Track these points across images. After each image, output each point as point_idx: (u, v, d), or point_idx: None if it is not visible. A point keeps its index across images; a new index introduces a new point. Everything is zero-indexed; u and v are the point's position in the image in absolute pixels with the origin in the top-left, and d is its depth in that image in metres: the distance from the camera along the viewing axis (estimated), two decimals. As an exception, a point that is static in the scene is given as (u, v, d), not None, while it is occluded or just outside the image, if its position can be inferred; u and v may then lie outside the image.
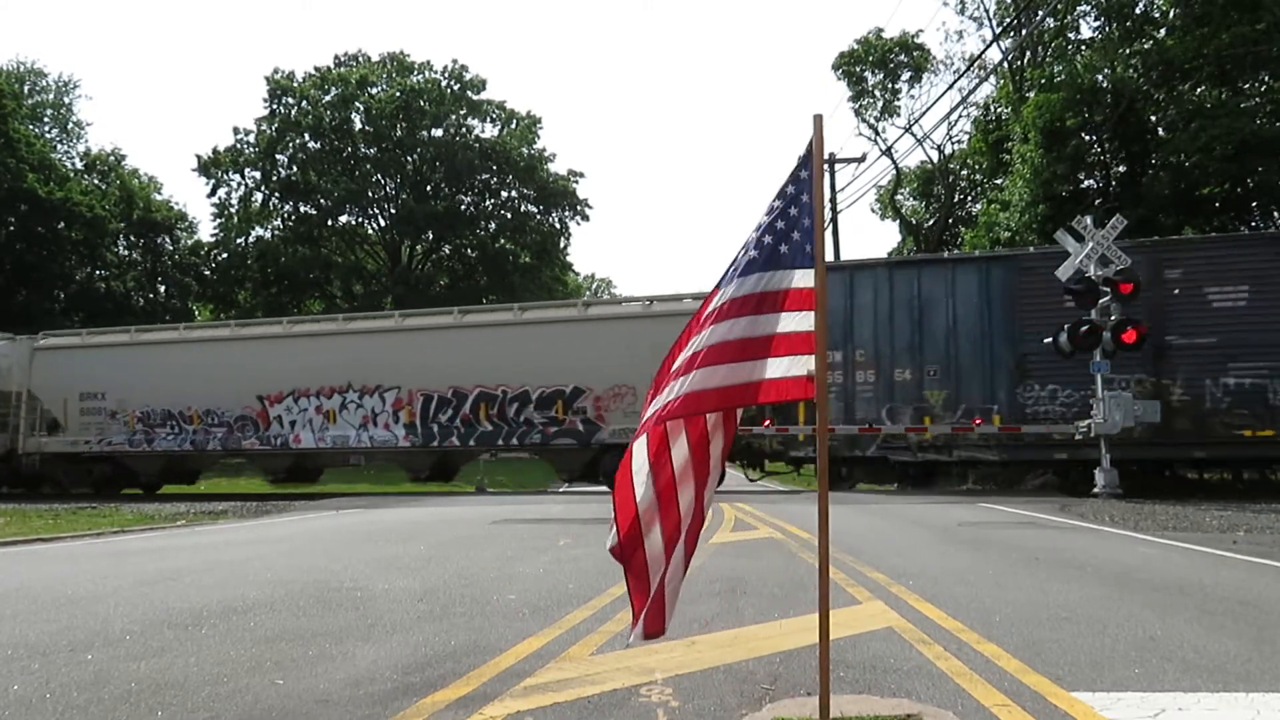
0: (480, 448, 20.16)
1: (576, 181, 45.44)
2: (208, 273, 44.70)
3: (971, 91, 33.84)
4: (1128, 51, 24.55)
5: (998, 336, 16.73)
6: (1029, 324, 16.49)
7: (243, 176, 43.33)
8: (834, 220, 32.16)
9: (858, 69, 34.91)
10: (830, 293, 18.51)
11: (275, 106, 42.63)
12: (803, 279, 2.99)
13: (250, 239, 43.80)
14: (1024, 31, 29.36)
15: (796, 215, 3.01)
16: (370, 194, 43.45)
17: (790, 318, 2.97)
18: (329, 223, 43.96)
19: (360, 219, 45.09)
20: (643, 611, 2.85)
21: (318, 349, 20.97)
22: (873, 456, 17.44)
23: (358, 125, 43.02)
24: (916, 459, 17.32)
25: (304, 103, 42.39)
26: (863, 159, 34.76)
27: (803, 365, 2.95)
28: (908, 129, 35.62)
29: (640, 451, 2.89)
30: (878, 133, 36.29)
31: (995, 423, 16.60)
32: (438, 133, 43.71)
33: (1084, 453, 16.03)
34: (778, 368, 2.97)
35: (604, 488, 18.69)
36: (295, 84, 42.92)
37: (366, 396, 20.26)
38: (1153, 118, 24.53)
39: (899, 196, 39.44)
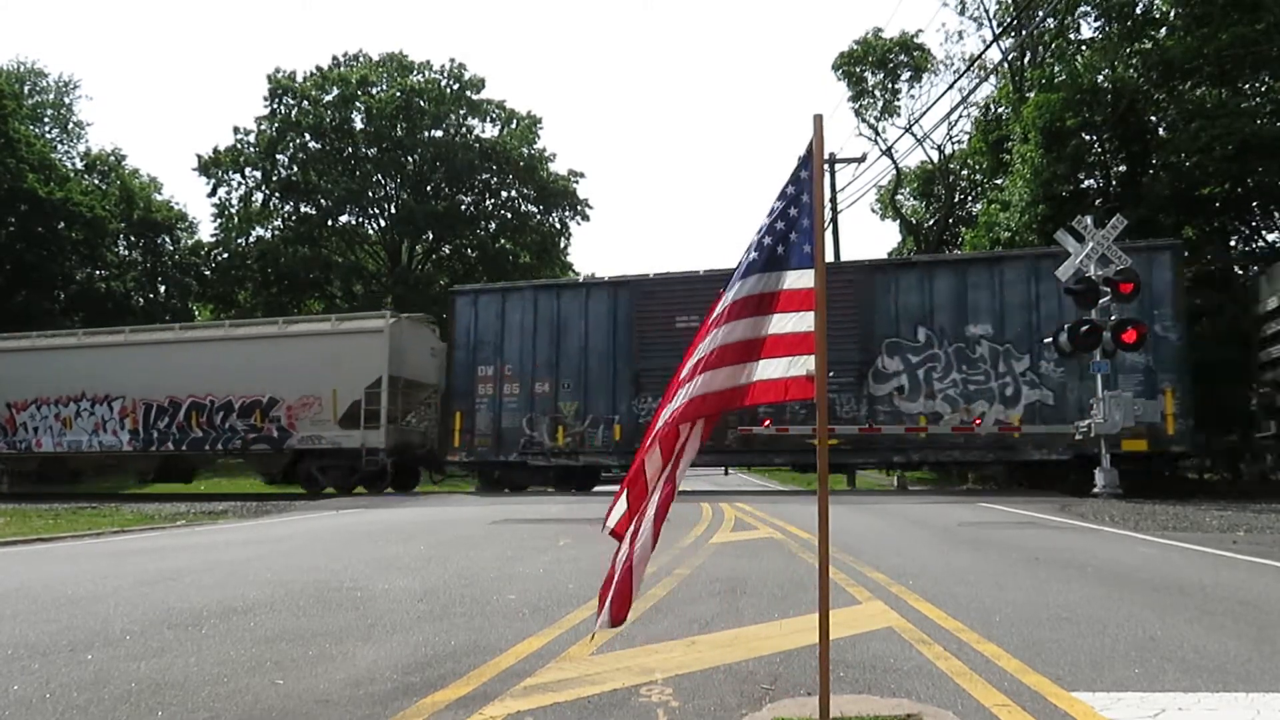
0: (192, 452, 21.56)
1: (577, 181, 45.44)
2: (208, 273, 44.66)
3: (971, 91, 33.86)
4: (1128, 51, 24.54)
5: (621, 354, 18.62)
6: (647, 343, 18.48)
7: (243, 176, 43.29)
8: (834, 220, 32.17)
9: (858, 69, 34.88)
10: (486, 313, 19.60)
11: (276, 106, 42.60)
12: (802, 279, 3.00)
13: (250, 239, 43.77)
14: (1024, 31, 29.36)
15: (796, 215, 3.02)
16: (370, 194, 43.40)
17: (789, 318, 2.98)
18: (329, 223, 43.90)
19: (360, 219, 45.05)
20: (608, 598, 2.86)
21: (59, 360, 22.59)
22: (514, 461, 19.18)
23: (358, 125, 43.00)
24: (551, 464, 19.03)
25: (304, 102, 42.35)
26: (863, 159, 34.79)
27: (802, 365, 2.96)
28: (908, 129, 35.63)
29: (654, 458, 2.91)
30: (878, 133, 36.29)
31: (616, 432, 18.42)
32: (438, 133, 43.68)
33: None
34: (777, 368, 2.97)
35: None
36: (296, 84, 42.90)
37: (98, 405, 21.93)
38: (1153, 118, 24.51)
39: (899, 196, 39.43)
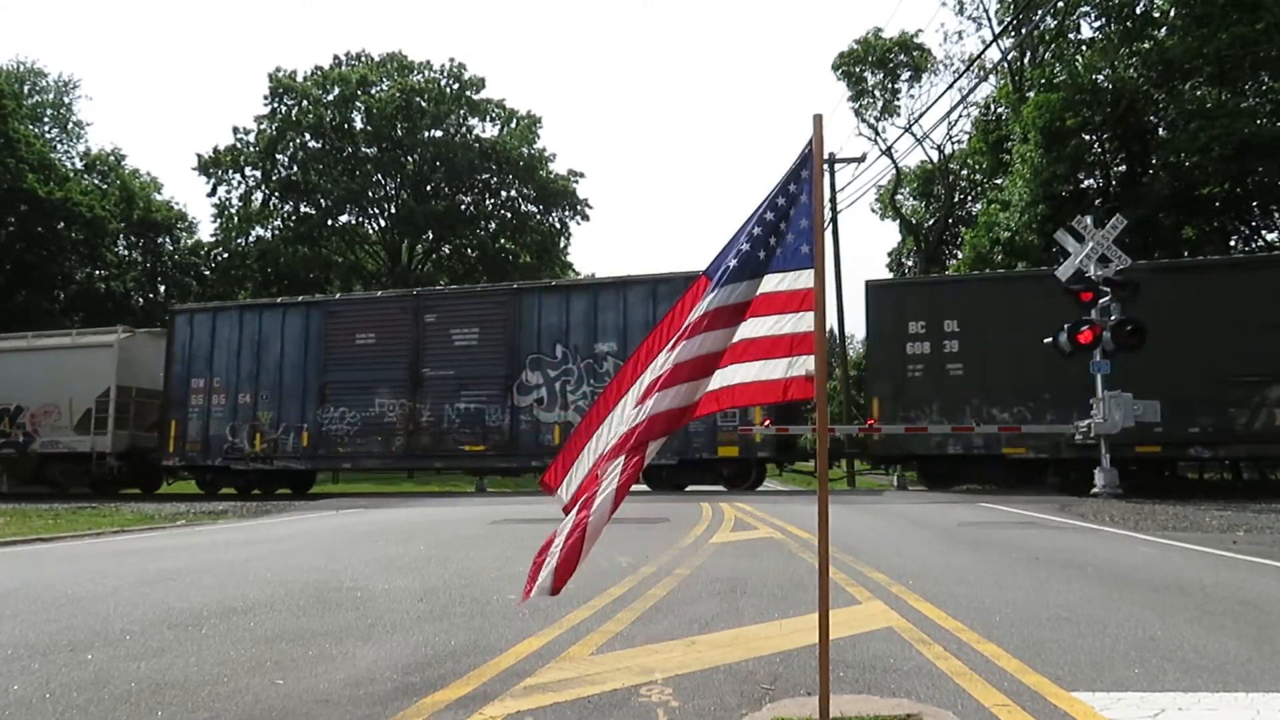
0: None
1: (576, 181, 45.49)
2: (208, 273, 44.67)
3: (971, 91, 33.88)
4: (1128, 51, 24.54)
5: (311, 368, 20.33)
6: (332, 358, 20.23)
7: (243, 176, 43.31)
8: (834, 221, 32.16)
9: (857, 69, 34.91)
10: (200, 330, 20.92)
11: (276, 105, 42.61)
12: (799, 280, 2.99)
13: (250, 239, 43.78)
14: (1024, 31, 29.36)
15: (795, 216, 3.01)
16: (370, 194, 43.42)
17: (787, 319, 2.97)
18: (329, 222, 43.92)
19: (360, 219, 45.07)
20: (552, 564, 2.82)
21: None
22: (219, 466, 20.69)
23: (358, 125, 43.00)
24: (250, 468, 20.52)
25: (304, 102, 42.36)
26: (863, 159, 34.79)
27: (801, 366, 2.96)
28: (908, 129, 35.67)
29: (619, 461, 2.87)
30: (878, 133, 36.33)
31: (304, 439, 19.98)
32: (438, 133, 43.70)
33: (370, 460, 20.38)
34: (777, 369, 2.97)
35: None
36: (296, 83, 42.90)
37: None
38: (1153, 118, 24.51)
39: (899, 196, 39.44)
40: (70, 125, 47.45)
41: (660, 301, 18.59)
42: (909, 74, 34.98)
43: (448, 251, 46.29)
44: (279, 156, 42.44)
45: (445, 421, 19.41)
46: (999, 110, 30.90)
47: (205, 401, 20.80)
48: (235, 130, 44.14)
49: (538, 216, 45.29)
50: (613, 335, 18.84)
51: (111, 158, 45.23)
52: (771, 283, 2.99)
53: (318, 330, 20.44)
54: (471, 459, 19.79)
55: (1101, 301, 14.87)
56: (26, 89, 45.92)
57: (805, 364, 2.95)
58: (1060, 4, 26.84)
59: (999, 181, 29.12)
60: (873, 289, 18.58)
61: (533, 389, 19.11)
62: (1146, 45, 24.28)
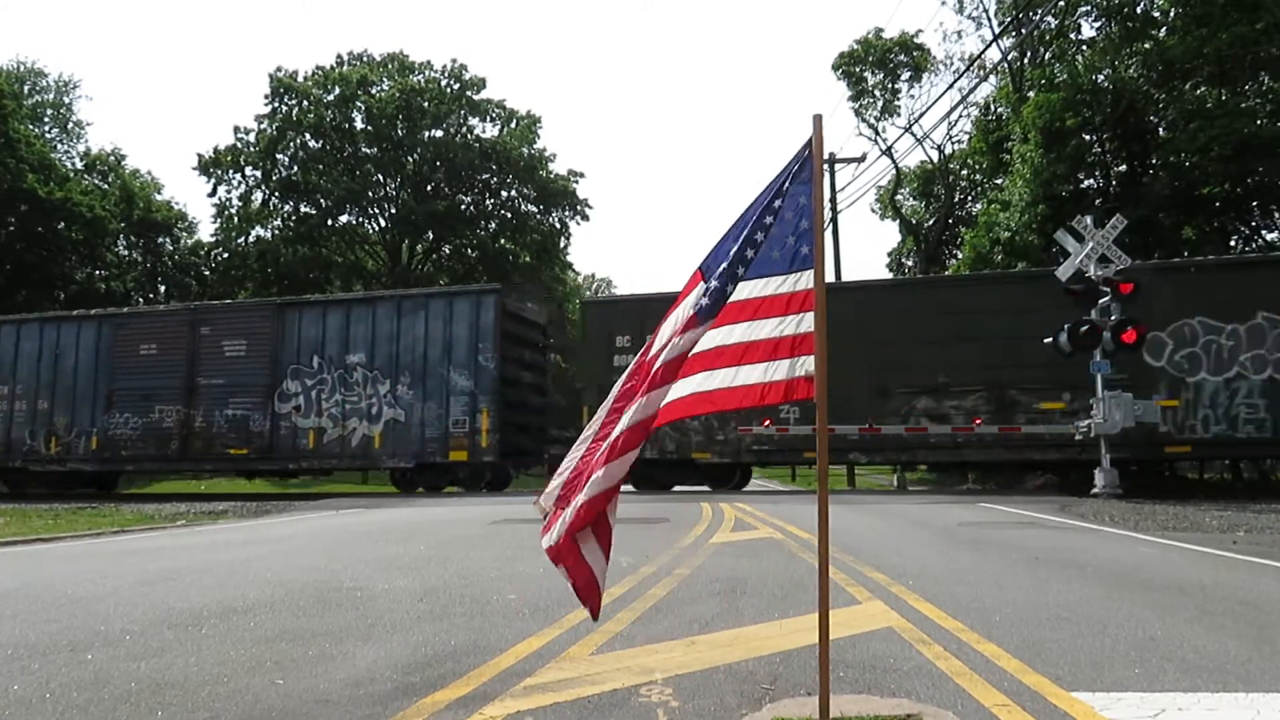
0: None
1: (576, 181, 45.41)
2: (208, 273, 44.63)
3: (971, 91, 33.87)
4: (1128, 51, 24.54)
5: (101, 376, 21.70)
6: (120, 368, 21.57)
7: (243, 176, 43.23)
8: (834, 221, 32.15)
9: (857, 69, 34.88)
10: (5, 340, 22.05)
11: (276, 105, 42.54)
12: (800, 282, 2.99)
13: (250, 239, 43.73)
14: (1024, 31, 29.35)
15: (794, 217, 3.01)
16: (370, 194, 43.36)
17: (790, 320, 2.97)
18: (329, 222, 43.85)
19: (360, 219, 45.02)
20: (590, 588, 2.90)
21: None
22: (19, 467, 22.06)
23: (359, 125, 42.96)
24: (45, 469, 22.01)
25: (305, 102, 42.31)
26: (863, 159, 34.78)
27: (803, 366, 2.96)
28: (908, 129, 35.64)
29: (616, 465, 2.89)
30: (878, 133, 36.31)
31: (93, 443, 21.45)
32: (438, 133, 43.64)
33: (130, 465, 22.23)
34: (781, 370, 2.97)
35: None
36: (297, 83, 42.86)
37: None
38: (1153, 118, 24.50)
39: (899, 196, 39.43)
40: (70, 125, 47.45)
41: (404, 316, 19.86)
42: (909, 74, 34.96)
43: (448, 251, 46.25)
44: (279, 156, 42.36)
45: (215, 427, 20.82)
46: (999, 110, 30.89)
47: (9, 406, 22.16)
48: (236, 130, 44.13)
49: (538, 216, 45.25)
50: (362, 347, 20.09)
51: (111, 158, 45.22)
52: (773, 285, 2.99)
53: (108, 342, 21.77)
54: (236, 461, 21.14)
55: (1101, 301, 14.88)
56: (26, 89, 45.90)
57: (807, 365, 2.96)
58: (1060, 4, 26.84)
59: (999, 181, 29.11)
60: (586, 305, 20.23)
61: (292, 397, 20.36)
62: (1146, 45, 24.27)
